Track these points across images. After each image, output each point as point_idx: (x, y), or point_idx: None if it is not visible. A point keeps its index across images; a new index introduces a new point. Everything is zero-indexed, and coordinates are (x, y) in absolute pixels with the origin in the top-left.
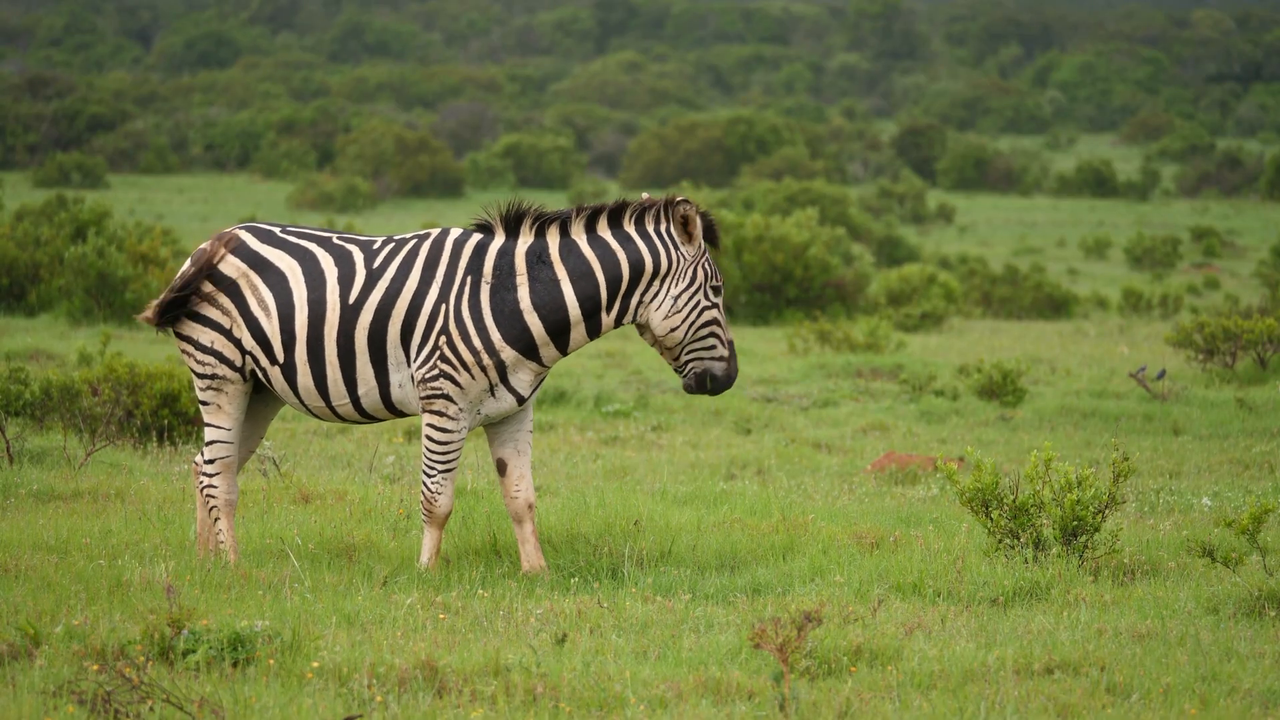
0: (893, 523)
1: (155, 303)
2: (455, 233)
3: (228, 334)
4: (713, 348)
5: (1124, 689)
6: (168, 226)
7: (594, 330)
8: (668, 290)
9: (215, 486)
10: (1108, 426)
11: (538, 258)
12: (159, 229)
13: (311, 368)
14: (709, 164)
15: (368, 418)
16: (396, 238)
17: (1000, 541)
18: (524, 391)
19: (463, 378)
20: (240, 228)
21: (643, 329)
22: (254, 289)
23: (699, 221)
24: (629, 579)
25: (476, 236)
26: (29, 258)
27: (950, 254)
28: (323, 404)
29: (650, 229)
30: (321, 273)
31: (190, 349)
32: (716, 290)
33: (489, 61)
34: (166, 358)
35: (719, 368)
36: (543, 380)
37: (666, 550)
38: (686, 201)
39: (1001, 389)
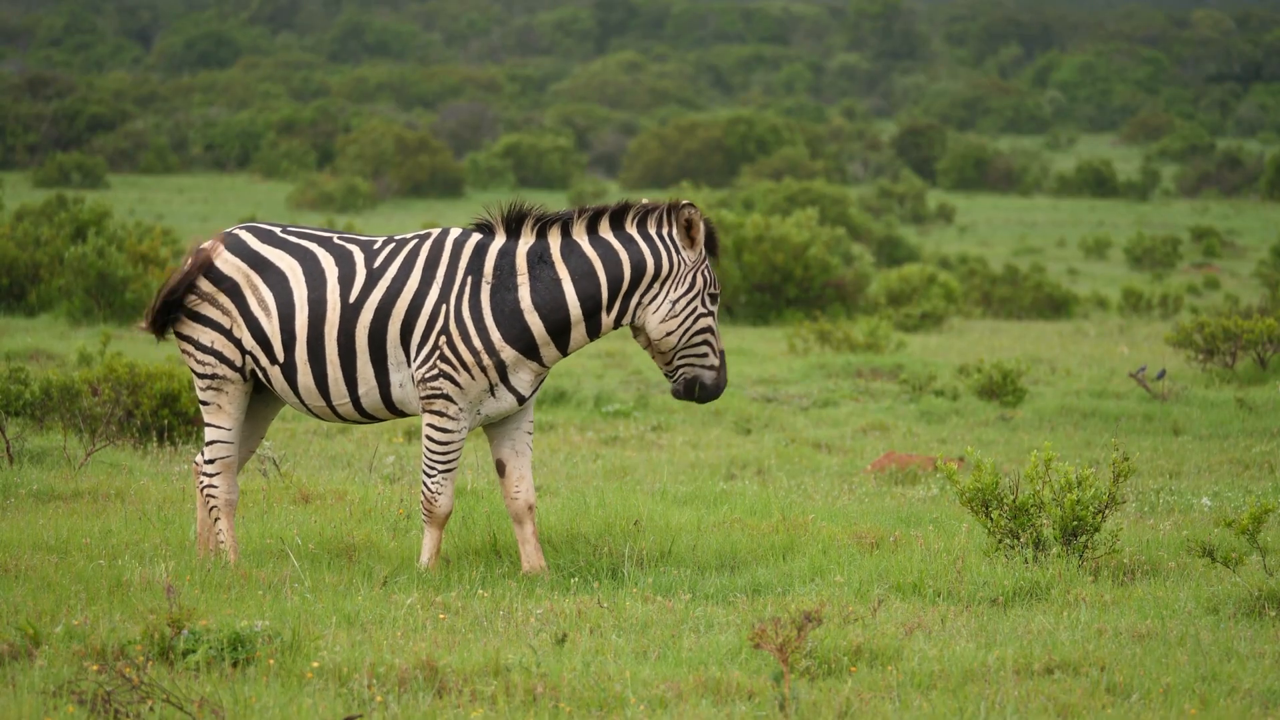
0: (893, 523)
1: (147, 312)
2: (455, 233)
3: (228, 334)
4: (705, 355)
5: (1124, 689)
6: (168, 226)
7: (594, 330)
8: (666, 294)
9: (215, 486)
10: (1108, 426)
11: (539, 258)
12: (159, 229)
13: (312, 367)
14: (709, 164)
15: (368, 418)
16: (397, 238)
17: (1000, 541)
18: (524, 391)
19: (463, 378)
20: (240, 228)
21: (637, 331)
22: (254, 289)
23: (702, 226)
24: (629, 579)
25: (476, 236)
26: (29, 258)
27: (950, 254)
28: (323, 404)
29: (653, 231)
30: (322, 272)
31: (190, 349)
32: (714, 298)
33: (489, 61)
34: (166, 358)
35: (709, 376)
36: (543, 380)
37: (666, 550)
38: (691, 206)
39: (1001, 389)
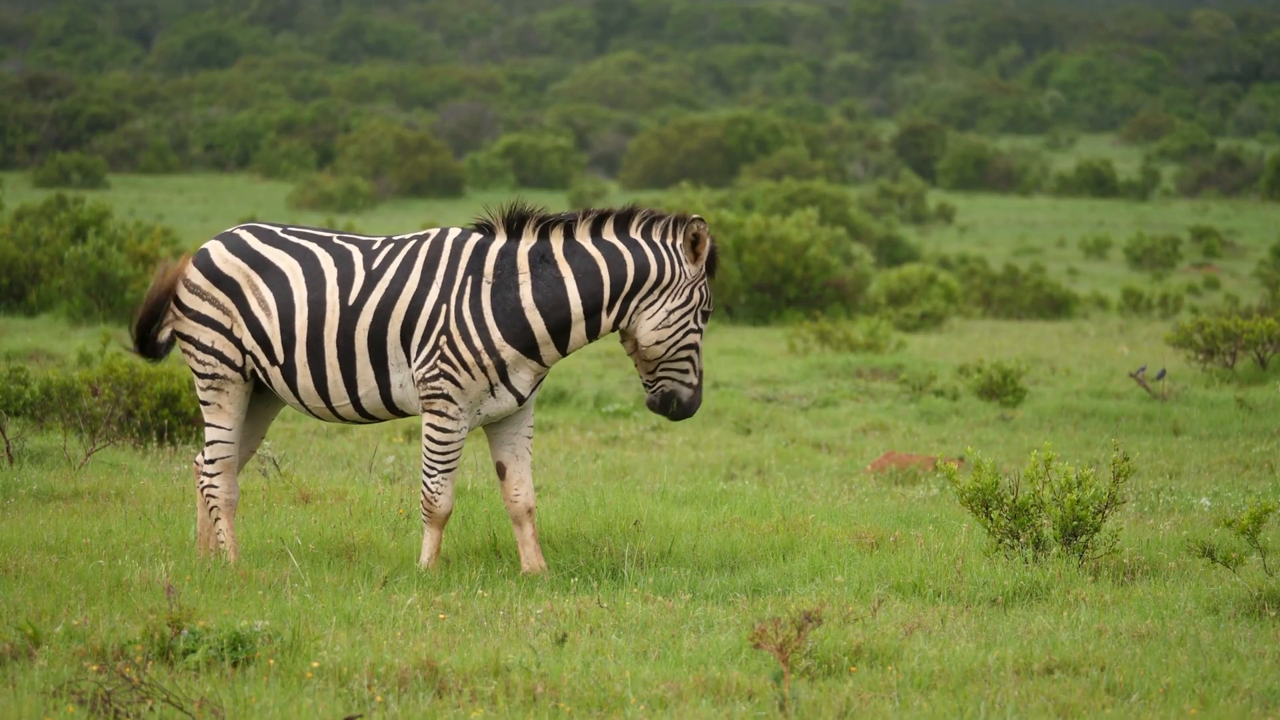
0: (893, 523)
1: (132, 335)
2: (454, 233)
3: (228, 334)
4: (686, 371)
5: (1124, 689)
6: (168, 226)
7: (593, 331)
8: (663, 303)
9: (216, 486)
10: (1108, 426)
11: (541, 257)
12: (159, 229)
13: (311, 368)
14: (709, 164)
15: (368, 418)
16: (396, 238)
17: (1000, 541)
18: (524, 391)
19: (463, 378)
20: (241, 228)
21: (625, 337)
22: (254, 289)
23: (708, 243)
24: (629, 579)
25: (476, 237)
26: (29, 258)
27: (950, 254)
28: (323, 405)
29: (657, 239)
30: (321, 273)
31: (191, 348)
32: (705, 316)
33: (489, 61)
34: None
35: (686, 393)
36: (542, 380)
37: (666, 550)
38: (700, 220)
39: (1001, 389)
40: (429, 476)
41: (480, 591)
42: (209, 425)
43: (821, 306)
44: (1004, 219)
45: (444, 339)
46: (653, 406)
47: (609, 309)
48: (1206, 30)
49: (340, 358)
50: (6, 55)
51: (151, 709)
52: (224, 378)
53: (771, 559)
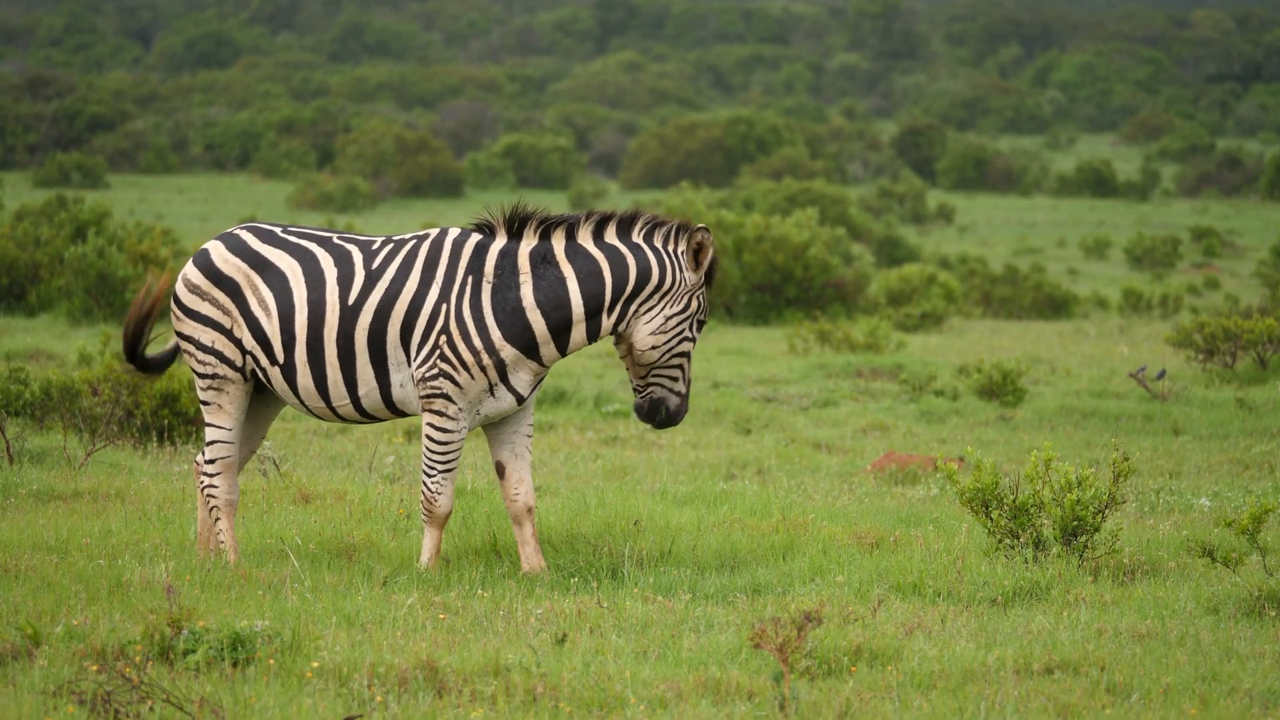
0: (893, 523)
1: (123, 354)
2: (454, 233)
3: (228, 334)
4: (676, 380)
5: (1124, 689)
6: (168, 226)
7: (593, 332)
8: (662, 309)
9: (216, 486)
10: (1108, 426)
11: (542, 258)
12: (159, 229)
13: (311, 368)
14: (709, 164)
15: (368, 418)
16: (395, 238)
17: (1000, 541)
18: (523, 391)
19: (462, 377)
20: (241, 228)
21: (620, 340)
22: (255, 289)
23: (711, 253)
24: (629, 579)
25: (476, 237)
26: (29, 258)
27: (950, 254)
28: (323, 404)
29: (659, 244)
30: (321, 273)
31: (191, 348)
32: (700, 325)
33: (489, 61)
34: None
35: (674, 401)
36: (542, 380)
37: (666, 550)
38: (705, 230)
39: (1001, 389)
40: (429, 476)
41: (480, 591)
42: (209, 425)
43: (821, 306)
44: (1004, 219)
45: (444, 338)
46: (640, 412)
47: (609, 311)
48: (1206, 30)
49: (340, 357)
50: (6, 55)
51: (151, 709)
52: (224, 378)
53: (771, 559)
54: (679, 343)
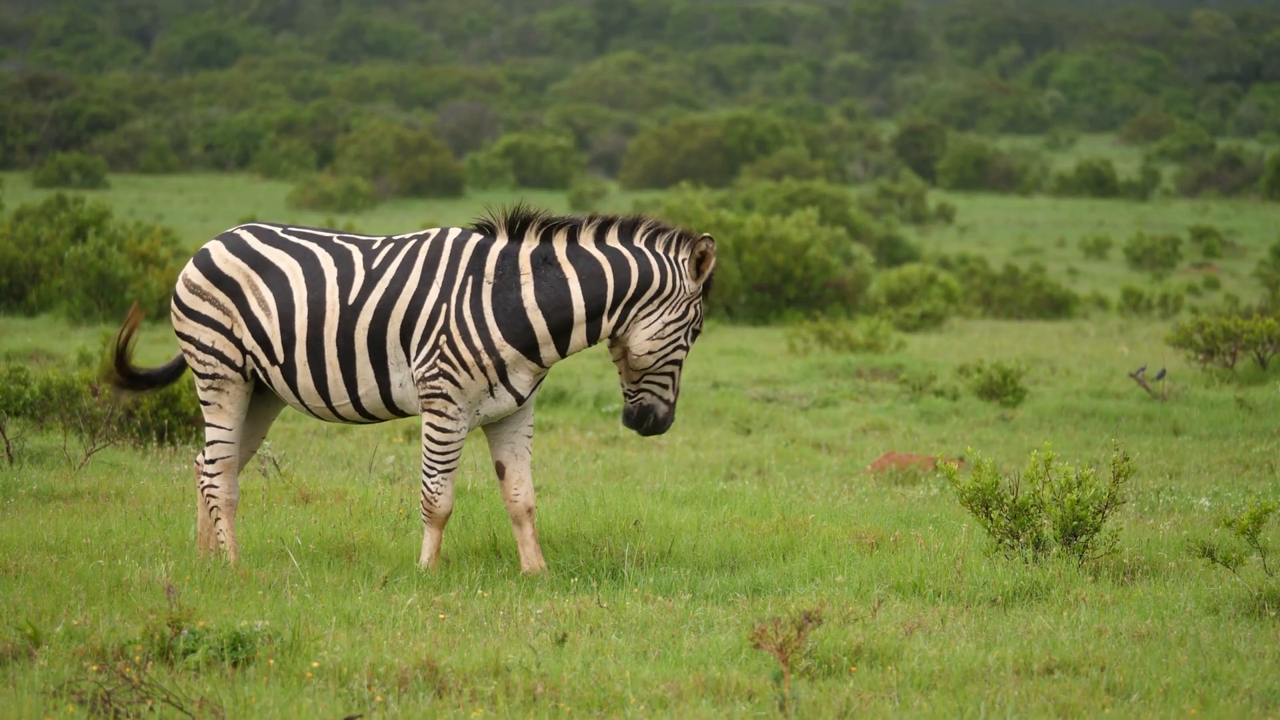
0: (893, 523)
1: (116, 375)
2: (455, 233)
3: (228, 334)
4: (666, 387)
5: (1124, 689)
6: (168, 226)
7: (593, 334)
8: (661, 314)
9: (216, 486)
10: (1108, 426)
11: (544, 259)
12: (159, 229)
13: (311, 368)
14: (709, 164)
15: (368, 418)
16: (396, 238)
17: (1000, 541)
18: (523, 392)
19: (462, 377)
20: (241, 228)
21: (614, 343)
22: (255, 289)
23: (713, 263)
24: (629, 579)
25: (477, 237)
26: (29, 258)
27: (950, 254)
28: (323, 404)
29: (661, 250)
30: (321, 272)
31: (191, 348)
32: (695, 335)
33: (489, 61)
34: (166, 358)
35: (662, 410)
36: (541, 381)
37: (666, 550)
38: (709, 239)
39: (1001, 389)
40: (429, 476)
41: (480, 591)
42: (209, 425)
43: (821, 306)
44: (1004, 219)
45: (444, 338)
46: (628, 417)
47: (610, 313)
48: (1206, 30)
49: (340, 357)
50: (6, 55)
51: (151, 709)
52: (224, 378)
53: (771, 559)
54: (674, 350)
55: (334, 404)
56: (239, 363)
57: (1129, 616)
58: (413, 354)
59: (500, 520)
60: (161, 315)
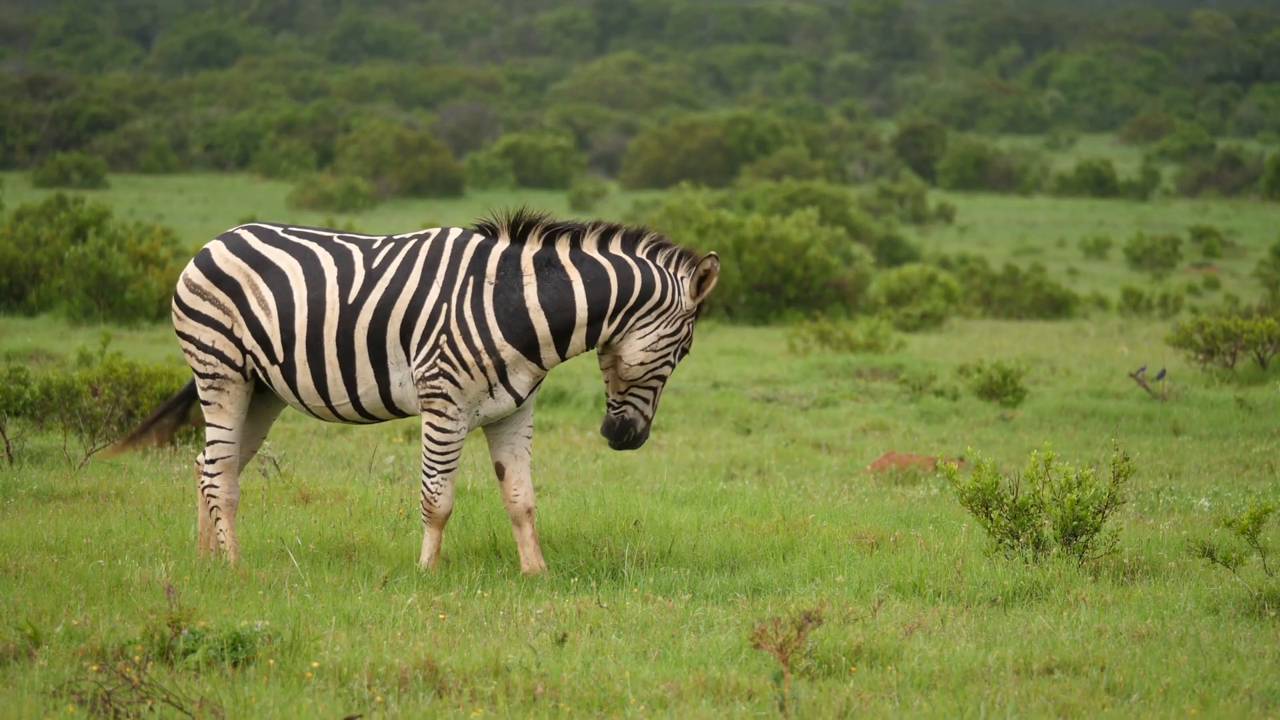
0: (893, 523)
1: (126, 442)
2: (455, 233)
3: (229, 333)
4: (648, 402)
5: (1124, 689)
6: (168, 226)
7: (592, 339)
8: (657, 327)
9: (216, 486)
10: (1108, 426)
11: (546, 262)
12: (159, 229)
13: (311, 367)
14: (709, 164)
15: (368, 418)
16: (396, 237)
17: (1000, 541)
18: (522, 392)
19: (462, 377)
20: (241, 228)
21: (605, 351)
22: (255, 288)
23: (713, 283)
24: (629, 579)
25: (477, 238)
26: (29, 258)
27: (950, 254)
28: (323, 404)
29: (661, 264)
30: (321, 272)
31: (192, 348)
32: (683, 354)
33: (489, 61)
34: (166, 358)
35: (641, 425)
36: (541, 382)
37: (666, 550)
38: (714, 258)
39: (1001, 389)
40: (428, 476)
41: (480, 591)
42: (210, 425)
43: (821, 306)
44: (1004, 219)
45: (444, 338)
46: (609, 428)
47: (611, 319)
48: (1206, 30)
49: (340, 356)
50: (6, 55)
51: (151, 709)
52: (224, 377)
53: (771, 559)
54: (662, 364)
55: (333, 403)
56: (239, 362)
57: (1129, 616)
58: (413, 354)
59: (500, 520)
60: (162, 315)
